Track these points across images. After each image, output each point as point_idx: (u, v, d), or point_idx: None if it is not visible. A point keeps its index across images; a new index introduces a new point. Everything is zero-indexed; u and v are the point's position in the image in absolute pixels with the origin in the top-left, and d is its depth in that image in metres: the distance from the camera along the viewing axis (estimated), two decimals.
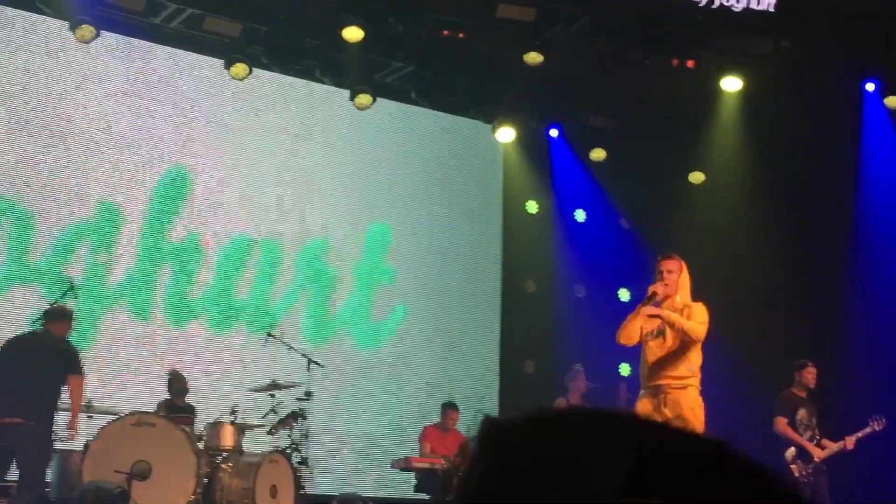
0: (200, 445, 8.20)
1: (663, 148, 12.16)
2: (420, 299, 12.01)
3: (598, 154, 12.67)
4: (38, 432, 7.62)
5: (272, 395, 9.12)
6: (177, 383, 9.19)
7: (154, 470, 7.74)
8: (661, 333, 7.06)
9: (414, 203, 12.16)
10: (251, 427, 8.88)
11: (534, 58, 10.55)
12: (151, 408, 8.81)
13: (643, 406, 7.01)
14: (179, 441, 7.83)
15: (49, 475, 8.15)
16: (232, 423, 8.61)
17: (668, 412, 6.82)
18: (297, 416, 9.13)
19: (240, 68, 10.68)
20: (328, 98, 11.70)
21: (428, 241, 12.20)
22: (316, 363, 9.50)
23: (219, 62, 10.81)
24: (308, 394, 9.25)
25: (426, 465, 9.82)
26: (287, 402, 9.16)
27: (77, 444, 8.10)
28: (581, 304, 12.57)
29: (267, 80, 11.32)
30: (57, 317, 8.17)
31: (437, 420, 10.50)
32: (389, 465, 10.32)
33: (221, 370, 10.53)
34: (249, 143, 11.23)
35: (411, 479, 10.11)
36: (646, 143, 12.27)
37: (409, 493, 10.20)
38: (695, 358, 7.03)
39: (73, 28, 9.89)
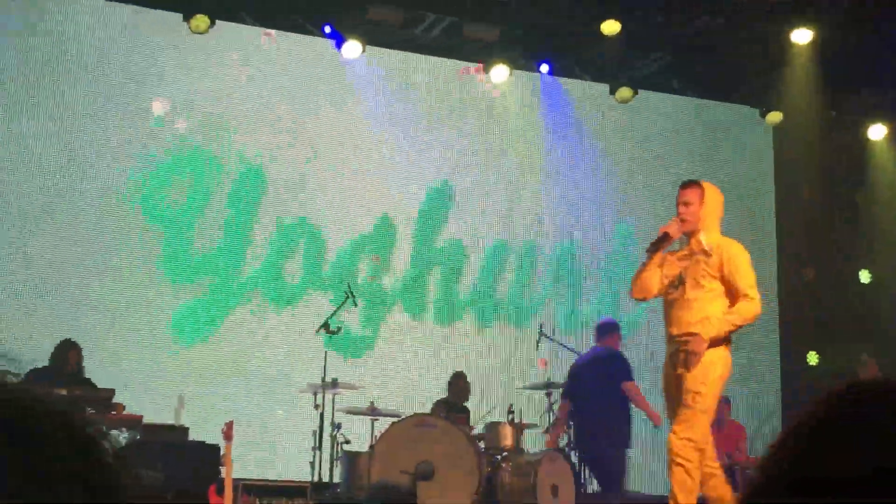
0: (481, 445, 8.31)
1: None
2: None
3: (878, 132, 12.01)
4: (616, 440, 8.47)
5: (548, 395, 9.15)
6: (458, 384, 9.40)
7: (437, 470, 7.90)
8: (681, 282, 6.03)
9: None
10: (529, 426, 8.93)
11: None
12: (426, 408, 9.03)
13: (667, 370, 6.11)
14: (460, 441, 7.95)
15: (338, 476, 8.52)
16: (510, 422, 8.69)
17: (688, 374, 5.90)
18: (572, 414, 9.11)
19: (500, 72, 10.84)
20: (586, 93, 11.65)
21: None
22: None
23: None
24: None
25: None
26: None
27: (363, 446, 8.40)
28: (866, 290, 11.92)
29: (525, 82, 11.39)
30: (610, 330, 8.95)
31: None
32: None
33: (495, 369, 10.68)
34: (509, 146, 11.35)
35: None
36: None
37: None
38: (724, 313, 5.97)
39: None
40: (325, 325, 8.74)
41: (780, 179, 12.39)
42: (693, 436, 5.86)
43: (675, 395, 6.00)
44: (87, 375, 8.68)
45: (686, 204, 6.07)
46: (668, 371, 6.12)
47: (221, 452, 7.30)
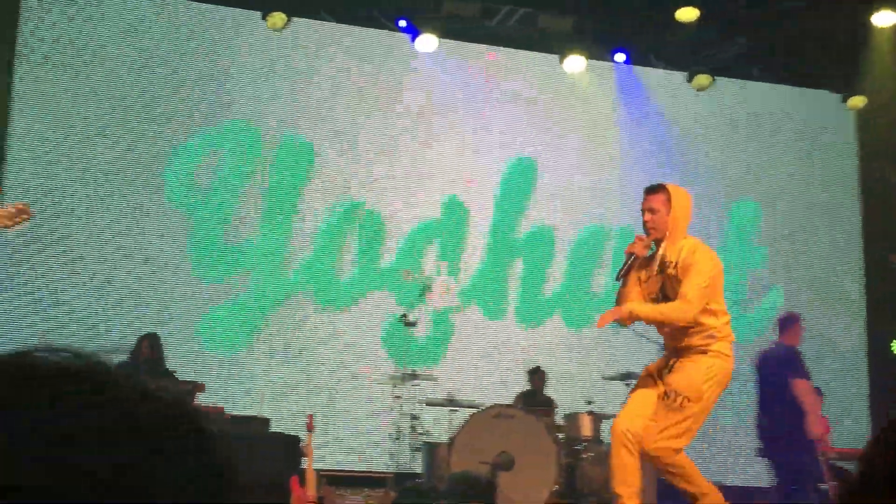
0: (560, 436, 8.29)
1: None
2: (783, 280, 11.62)
3: None
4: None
5: (627, 385, 9.08)
6: (537, 376, 9.40)
7: (517, 460, 7.90)
8: (665, 298, 5.71)
9: (768, 180, 11.77)
10: (608, 417, 8.87)
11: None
12: (507, 400, 9.03)
13: (655, 364, 5.90)
14: (539, 432, 7.93)
15: (418, 467, 8.57)
16: (589, 413, 8.66)
17: (672, 376, 5.68)
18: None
19: (575, 62, 10.81)
20: (663, 82, 11.55)
21: (783, 217, 11.77)
22: None
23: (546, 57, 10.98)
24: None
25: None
26: None
27: (443, 437, 8.44)
28: None
29: (600, 71, 11.33)
30: (788, 324, 8.85)
31: None
32: (755, 454, 9.98)
33: (577, 360, 10.64)
34: (585, 131, 11.30)
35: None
36: None
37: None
38: (709, 320, 5.67)
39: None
40: (403, 317, 8.77)
41: (864, 165, 12.15)
42: (674, 436, 5.72)
43: (652, 391, 5.82)
44: (170, 369, 8.84)
45: (652, 211, 5.73)
46: (659, 363, 5.93)
47: (303, 444, 7.38)
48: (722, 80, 11.35)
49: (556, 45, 10.91)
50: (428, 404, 8.79)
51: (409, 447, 8.68)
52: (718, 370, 5.71)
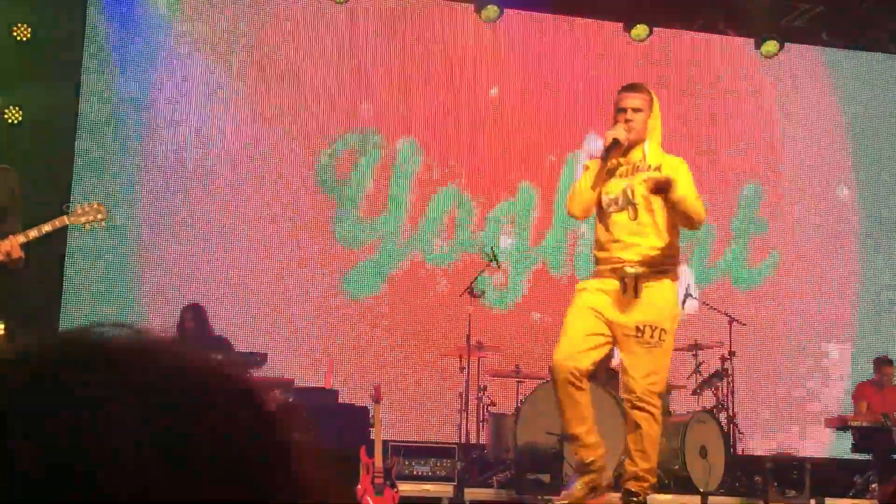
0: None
1: None
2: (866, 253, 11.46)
3: None
4: None
5: (695, 356, 9.03)
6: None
7: None
8: (629, 203, 5.30)
9: (835, 147, 11.58)
10: (676, 388, 8.83)
11: None
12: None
13: (594, 296, 5.36)
14: (607, 402, 7.91)
15: (485, 437, 8.61)
16: None
17: (637, 307, 5.27)
18: (720, 375, 8.98)
19: (640, 29, 10.69)
20: (731, 49, 11.38)
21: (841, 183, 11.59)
22: (738, 322, 9.28)
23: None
24: (731, 353, 9.06)
25: (864, 424, 9.31)
26: (710, 361, 9.04)
27: (509, 408, 8.46)
28: None
29: (665, 39, 11.19)
30: None
31: (870, 377, 9.96)
32: (823, 425, 9.90)
33: None
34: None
35: (847, 438, 9.63)
36: None
37: (846, 454, 9.73)
38: (675, 239, 5.38)
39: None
40: (470, 289, 8.79)
41: None
42: (660, 380, 5.43)
43: (596, 323, 5.39)
44: (223, 336, 8.91)
45: (635, 110, 5.34)
46: (599, 296, 5.40)
47: (371, 415, 7.46)
48: (790, 46, 11.14)
49: (621, 13, 10.78)
50: (494, 376, 8.82)
51: (475, 418, 8.72)
52: (677, 294, 5.49)
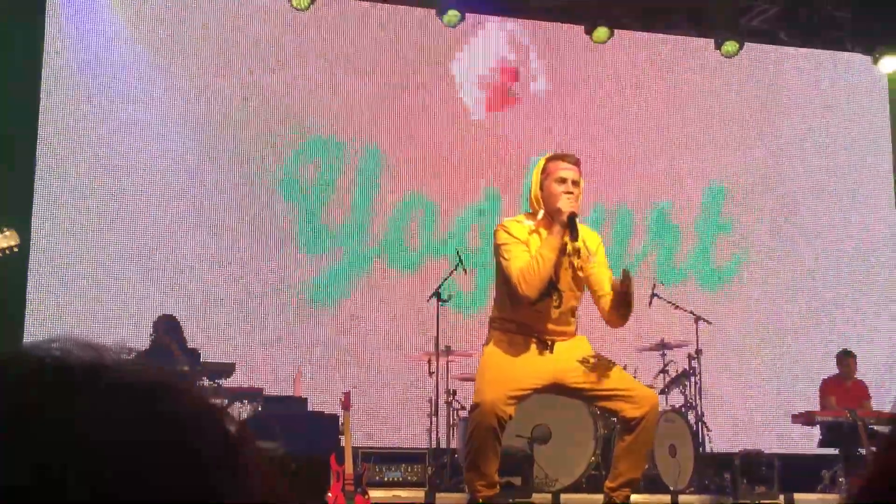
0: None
1: None
2: (811, 248, 11.55)
3: None
4: None
5: (663, 355, 9.08)
6: None
7: (553, 433, 7.92)
8: (553, 289, 5.16)
9: (791, 148, 11.68)
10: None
11: None
12: None
13: (519, 339, 5.25)
14: (576, 405, 7.95)
15: (455, 442, 8.60)
16: None
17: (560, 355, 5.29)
18: (688, 374, 9.03)
19: (601, 32, 10.73)
20: (690, 50, 11.46)
21: (812, 185, 11.69)
22: (704, 320, 9.33)
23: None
24: (698, 352, 9.11)
25: (831, 419, 9.39)
26: (677, 360, 9.09)
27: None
28: None
29: (629, 41, 11.26)
30: None
31: (834, 372, 10.08)
32: (790, 421, 9.97)
33: (611, 332, 10.60)
34: (607, 111, 11.25)
35: (814, 433, 9.71)
36: None
37: (812, 448, 9.81)
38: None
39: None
40: (437, 294, 8.79)
41: None
42: None
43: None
44: (194, 348, 8.84)
45: (576, 183, 5.13)
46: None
47: (340, 422, 7.44)
48: (748, 46, 11.24)
49: (586, 17, 10.83)
50: (463, 379, 8.82)
51: (445, 423, 8.72)
52: None
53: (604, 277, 5.25)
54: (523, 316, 5.24)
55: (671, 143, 11.31)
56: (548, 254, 5.02)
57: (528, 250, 5.13)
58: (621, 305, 5.07)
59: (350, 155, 10.55)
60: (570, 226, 5.06)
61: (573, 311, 5.36)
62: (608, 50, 11.06)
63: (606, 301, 5.17)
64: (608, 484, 5.53)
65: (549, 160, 5.24)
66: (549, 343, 5.29)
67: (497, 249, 5.24)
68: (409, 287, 10.35)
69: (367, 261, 10.42)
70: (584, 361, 5.31)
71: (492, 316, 5.47)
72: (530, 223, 5.23)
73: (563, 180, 5.10)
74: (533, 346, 5.28)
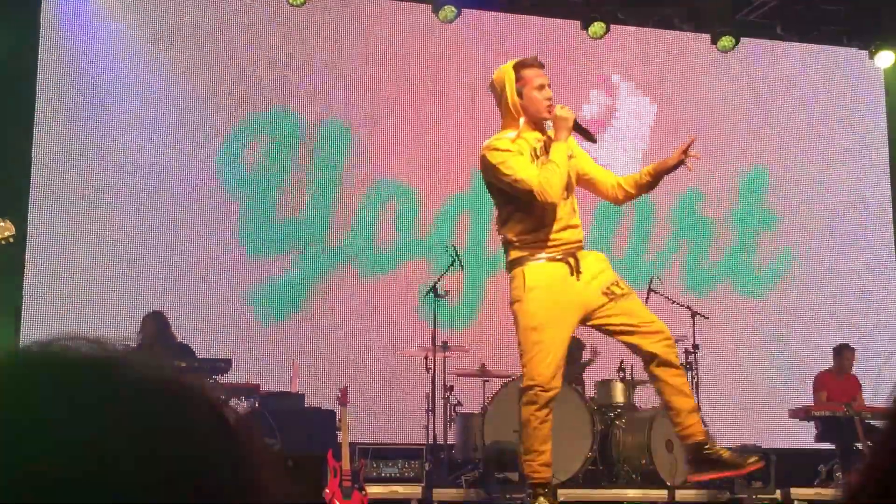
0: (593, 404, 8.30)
1: None
2: (804, 243, 11.55)
3: None
4: None
5: None
6: (572, 344, 9.37)
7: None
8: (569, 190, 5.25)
9: (789, 142, 11.68)
10: (642, 383, 8.87)
11: None
12: None
13: (550, 269, 5.21)
14: (572, 399, 7.94)
15: (452, 438, 8.60)
16: (621, 379, 8.66)
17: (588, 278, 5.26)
18: (685, 369, 9.02)
19: (597, 27, 10.71)
20: (686, 45, 11.46)
21: (808, 180, 11.68)
22: (701, 315, 9.33)
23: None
24: (695, 346, 9.11)
25: (827, 414, 9.39)
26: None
27: (476, 408, 8.46)
28: None
29: (627, 36, 11.25)
30: None
31: (829, 366, 10.09)
32: (787, 416, 9.98)
33: None
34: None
35: (811, 428, 9.72)
36: None
37: (809, 443, 9.82)
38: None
39: (436, 10, 10.36)
40: (433, 289, 8.78)
41: (893, 120, 12.04)
42: None
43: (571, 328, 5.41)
44: (187, 344, 8.82)
45: (549, 86, 5.25)
46: (564, 283, 5.25)
47: (337, 418, 7.44)
48: (744, 41, 11.23)
49: (579, 11, 10.82)
50: (459, 375, 8.81)
51: (442, 418, 8.71)
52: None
53: (601, 169, 5.48)
54: (537, 224, 5.22)
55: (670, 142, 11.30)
56: (560, 159, 5.07)
57: (525, 158, 5.15)
58: (655, 184, 5.35)
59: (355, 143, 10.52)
60: (579, 129, 5.19)
61: (574, 209, 5.34)
62: (599, 44, 11.04)
63: (623, 183, 5.38)
64: (679, 431, 5.42)
65: (519, 68, 5.21)
66: (574, 262, 5.23)
67: (494, 170, 5.18)
68: (406, 282, 10.32)
69: (364, 253, 10.39)
70: (608, 293, 5.28)
71: (507, 238, 5.37)
72: (512, 133, 5.22)
73: (541, 87, 5.17)
74: (565, 272, 5.22)
